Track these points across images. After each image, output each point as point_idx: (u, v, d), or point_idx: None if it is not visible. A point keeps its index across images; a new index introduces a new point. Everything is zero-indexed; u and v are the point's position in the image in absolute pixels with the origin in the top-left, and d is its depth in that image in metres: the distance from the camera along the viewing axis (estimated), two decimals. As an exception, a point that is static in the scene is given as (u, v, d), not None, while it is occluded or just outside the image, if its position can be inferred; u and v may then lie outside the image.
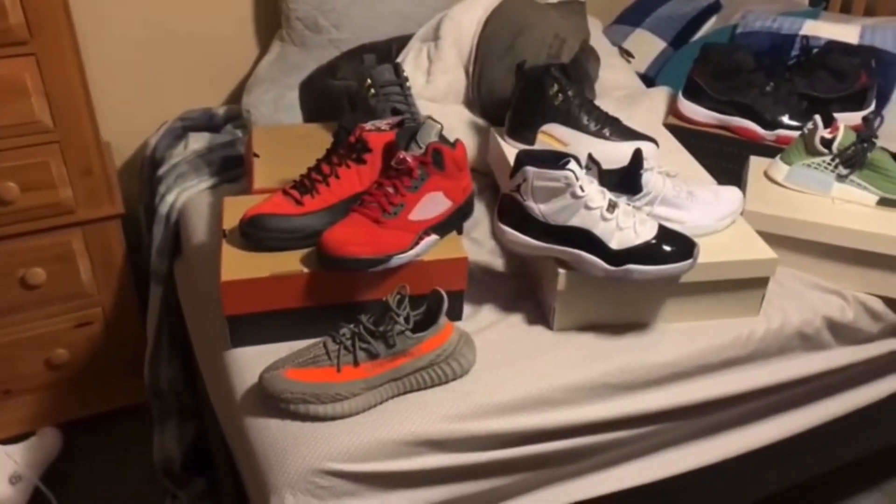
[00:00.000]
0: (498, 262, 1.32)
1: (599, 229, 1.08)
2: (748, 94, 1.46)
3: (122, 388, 1.73)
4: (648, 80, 1.94)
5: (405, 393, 1.06)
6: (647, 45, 2.00)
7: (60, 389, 1.68)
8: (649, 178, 1.16)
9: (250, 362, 1.09)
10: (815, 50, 1.52)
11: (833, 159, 1.29)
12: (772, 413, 1.27)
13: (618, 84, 1.78)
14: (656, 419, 1.15)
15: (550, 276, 1.15)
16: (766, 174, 1.37)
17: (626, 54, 2.00)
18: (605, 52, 1.90)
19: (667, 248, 1.08)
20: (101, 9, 1.72)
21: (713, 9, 2.02)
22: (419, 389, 1.06)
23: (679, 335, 1.17)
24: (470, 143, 1.60)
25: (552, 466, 1.11)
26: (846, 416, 1.33)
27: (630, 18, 2.09)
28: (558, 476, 1.14)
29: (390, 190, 1.11)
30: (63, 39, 1.39)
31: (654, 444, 1.19)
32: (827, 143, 1.29)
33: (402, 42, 1.74)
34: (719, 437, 1.23)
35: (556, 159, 1.10)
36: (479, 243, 1.37)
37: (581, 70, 1.55)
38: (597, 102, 1.69)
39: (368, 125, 1.18)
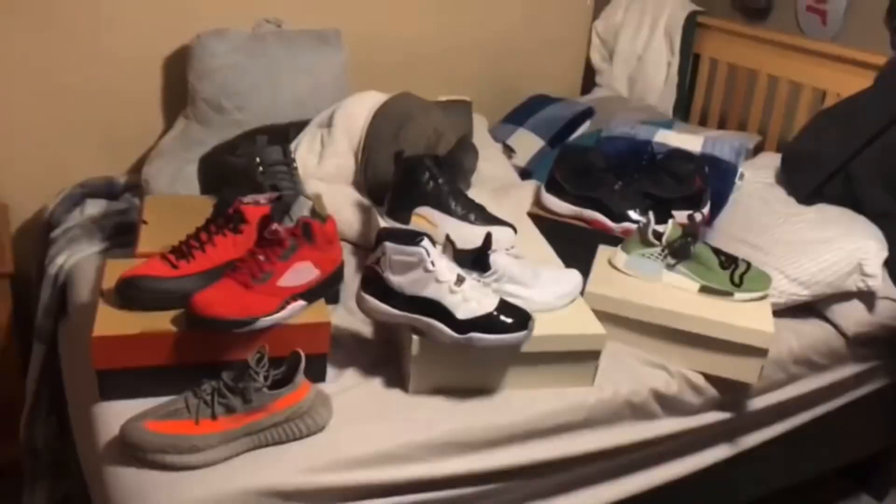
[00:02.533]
0: (367, 330, 1.43)
1: (448, 300, 1.21)
2: (599, 191, 1.66)
3: (-6, 448, 1.73)
4: (527, 174, 2.13)
5: (262, 446, 1.13)
6: (529, 142, 2.22)
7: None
8: (497, 259, 1.31)
9: (117, 415, 1.14)
10: (660, 156, 1.74)
11: (663, 250, 1.47)
12: (606, 477, 1.39)
13: (495, 176, 1.96)
14: (497, 477, 1.25)
15: (406, 343, 1.27)
16: (609, 261, 1.54)
17: (509, 150, 2.20)
18: (487, 147, 2.10)
19: (506, 319, 1.22)
20: (4, 71, 1.79)
21: (587, 114, 2.26)
22: (275, 444, 1.14)
23: (520, 400, 1.29)
24: (356, 221, 1.73)
25: (398, 520, 1.20)
26: (678, 482, 1.47)
27: (515, 119, 2.32)
28: (404, 530, 1.22)
29: (261, 258, 1.22)
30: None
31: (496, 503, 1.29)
32: (658, 237, 1.48)
33: (299, 126, 1.88)
34: (556, 499, 1.34)
35: (412, 237, 1.24)
36: (353, 312, 1.48)
37: (455, 161, 1.72)
38: (473, 191, 1.87)
39: (247, 198, 1.30)
